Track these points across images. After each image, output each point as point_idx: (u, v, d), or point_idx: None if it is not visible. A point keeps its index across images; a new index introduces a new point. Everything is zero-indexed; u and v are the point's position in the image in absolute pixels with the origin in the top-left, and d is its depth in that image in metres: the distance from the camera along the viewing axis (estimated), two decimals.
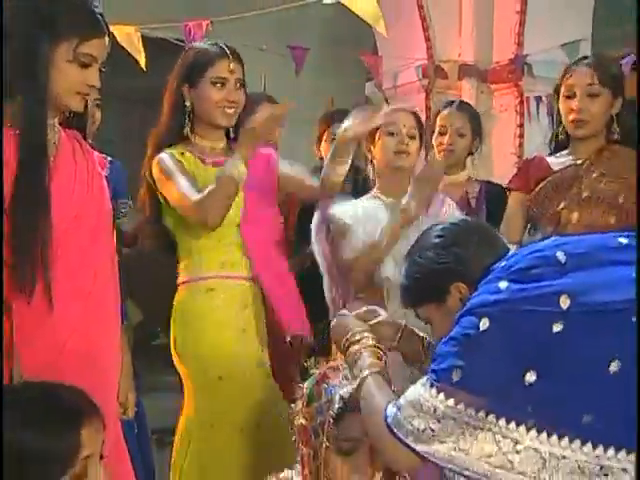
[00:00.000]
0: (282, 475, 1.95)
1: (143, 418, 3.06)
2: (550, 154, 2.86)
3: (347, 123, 2.54)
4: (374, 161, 2.80)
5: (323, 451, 1.81)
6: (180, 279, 2.57)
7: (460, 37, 5.46)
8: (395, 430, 1.51)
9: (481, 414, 1.43)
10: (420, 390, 1.50)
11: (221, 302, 2.51)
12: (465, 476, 1.49)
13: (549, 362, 1.42)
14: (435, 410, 1.46)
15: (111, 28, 2.06)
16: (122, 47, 4.00)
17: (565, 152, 2.80)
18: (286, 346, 2.59)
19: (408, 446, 1.49)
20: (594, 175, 2.71)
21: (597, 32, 5.18)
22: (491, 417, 1.43)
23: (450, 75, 5.44)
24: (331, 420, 1.80)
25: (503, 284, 1.49)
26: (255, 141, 2.43)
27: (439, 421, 1.46)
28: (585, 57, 2.86)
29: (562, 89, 2.75)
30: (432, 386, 1.48)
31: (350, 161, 2.61)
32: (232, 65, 2.50)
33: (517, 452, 1.41)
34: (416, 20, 5.41)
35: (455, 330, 1.50)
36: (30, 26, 1.90)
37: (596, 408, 1.40)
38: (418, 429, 1.47)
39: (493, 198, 3.23)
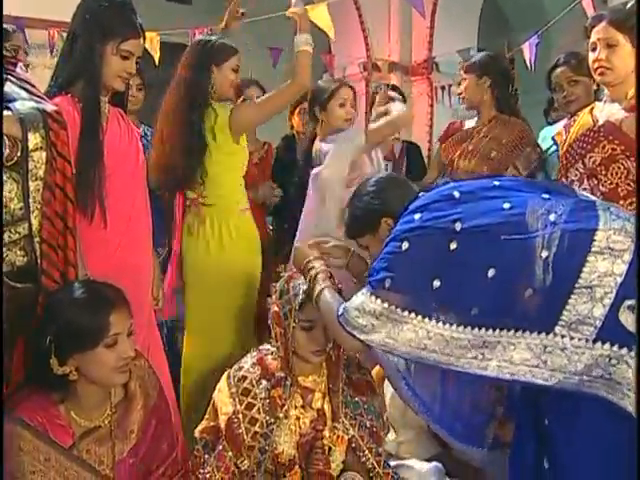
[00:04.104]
0: (261, 347, 1.94)
1: None
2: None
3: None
4: (323, 123, 2.68)
5: (290, 329, 1.80)
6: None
7: (389, 43, 5.42)
8: (345, 325, 1.50)
9: (405, 312, 1.43)
10: (362, 298, 1.48)
11: (252, 225, 2.51)
12: (394, 355, 1.50)
13: (448, 272, 1.41)
14: (374, 311, 1.45)
15: None
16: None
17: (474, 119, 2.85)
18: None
19: (354, 336, 1.49)
20: (480, 136, 2.74)
21: (480, 42, 5.25)
22: (412, 315, 1.42)
23: (383, 70, 5.38)
24: (296, 307, 1.79)
25: (417, 215, 1.47)
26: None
27: (377, 318, 1.45)
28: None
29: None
30: (371, 294, 1.46)
31: None
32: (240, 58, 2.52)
33: (429, 338, 1.41)
34: (358, 30, 5.36)
35: (384, 251, 1.49)
36: (89, 30, 1.91)
37: (480, 303, 1.39)
38: (362, 325, 1.47)
39: (410, 151, 3.40)
